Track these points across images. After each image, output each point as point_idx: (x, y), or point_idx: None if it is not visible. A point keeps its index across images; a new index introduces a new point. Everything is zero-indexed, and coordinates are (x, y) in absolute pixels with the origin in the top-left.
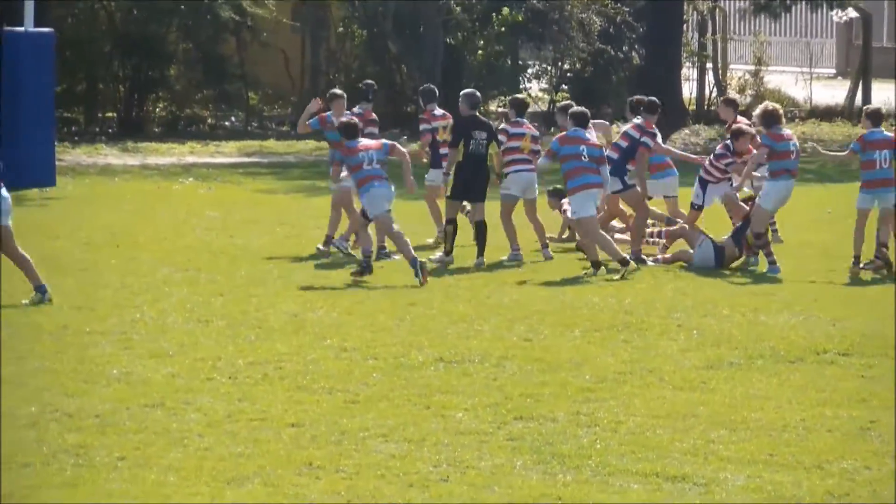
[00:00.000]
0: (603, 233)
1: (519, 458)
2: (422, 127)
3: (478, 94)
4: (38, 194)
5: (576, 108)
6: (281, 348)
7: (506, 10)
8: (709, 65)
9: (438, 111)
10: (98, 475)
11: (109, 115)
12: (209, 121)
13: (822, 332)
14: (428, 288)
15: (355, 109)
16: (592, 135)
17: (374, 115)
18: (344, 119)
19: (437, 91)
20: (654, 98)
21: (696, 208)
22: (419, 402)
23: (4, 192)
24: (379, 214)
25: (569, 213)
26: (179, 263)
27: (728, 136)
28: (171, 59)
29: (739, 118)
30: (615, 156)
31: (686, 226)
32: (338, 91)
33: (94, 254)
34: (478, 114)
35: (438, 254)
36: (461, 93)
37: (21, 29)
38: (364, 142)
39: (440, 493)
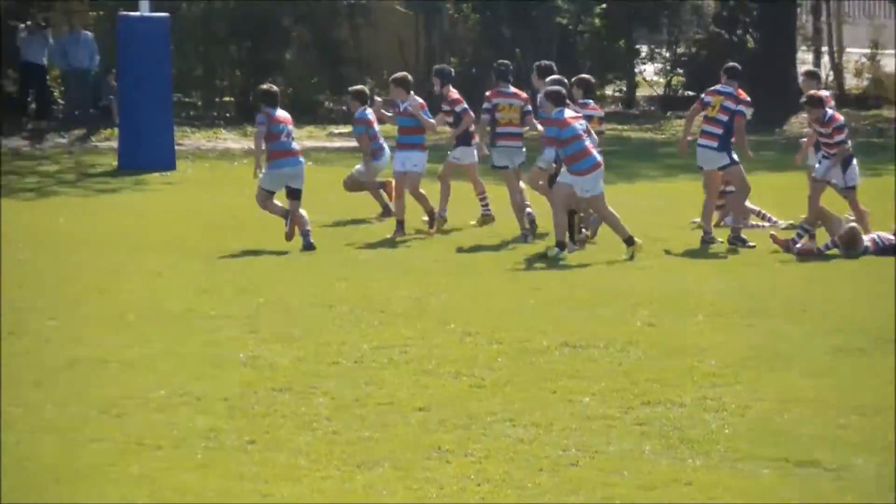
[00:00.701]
0: (611, 209)
1: (647, 442)
2: (484, 105)
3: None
4: (159, 178)
5: (551, 88)
6: (405, 332)
7: None
8: (824, 48)
9: (510, 89)
10: (229, 458)
11: (227, 99)
12: (325, 105)
13: None
14: (549, 273)
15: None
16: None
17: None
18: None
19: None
20: (733, 63)
21: (852, 188)
22: (545, 387)
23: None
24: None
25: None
26: (301, 245)
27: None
28: (287, 44)
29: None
30: (719, 131)
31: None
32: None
33: (215, 237)
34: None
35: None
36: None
37: (137, 14)
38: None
39: (570, 478)
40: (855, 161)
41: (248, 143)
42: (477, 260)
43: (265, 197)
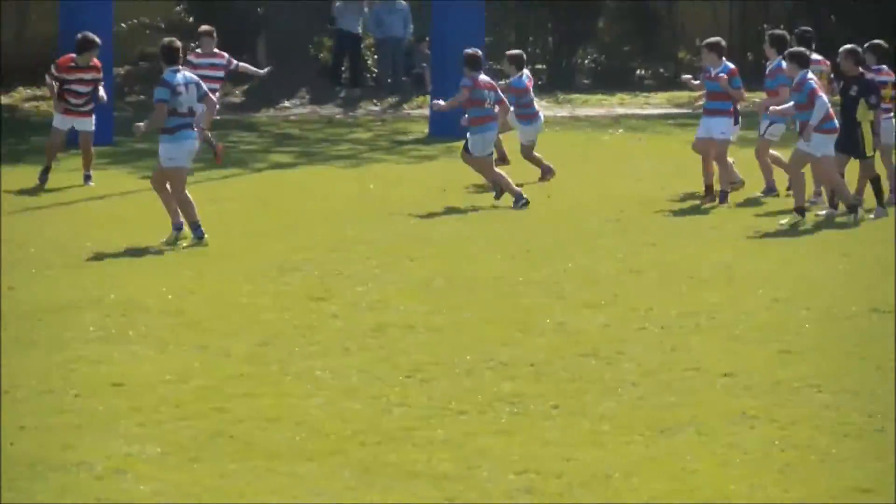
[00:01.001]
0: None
1: None
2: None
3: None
4: None
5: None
6: (712, 298)
7: None
8: None
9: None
10: (533, 423)
11: (539, 67)
12: (638, 72)
13: None
14: (857, 238)
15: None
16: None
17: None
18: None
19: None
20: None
21: None
22: (854, 353)
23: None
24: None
25: None
26: (610, 214)
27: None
28: (600, 12)
29: None
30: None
31: None
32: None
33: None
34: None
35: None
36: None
37: None
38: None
39: (875, 444)
40: None
41: (560, 111)
42: (781, 227)
43: (487, 163)
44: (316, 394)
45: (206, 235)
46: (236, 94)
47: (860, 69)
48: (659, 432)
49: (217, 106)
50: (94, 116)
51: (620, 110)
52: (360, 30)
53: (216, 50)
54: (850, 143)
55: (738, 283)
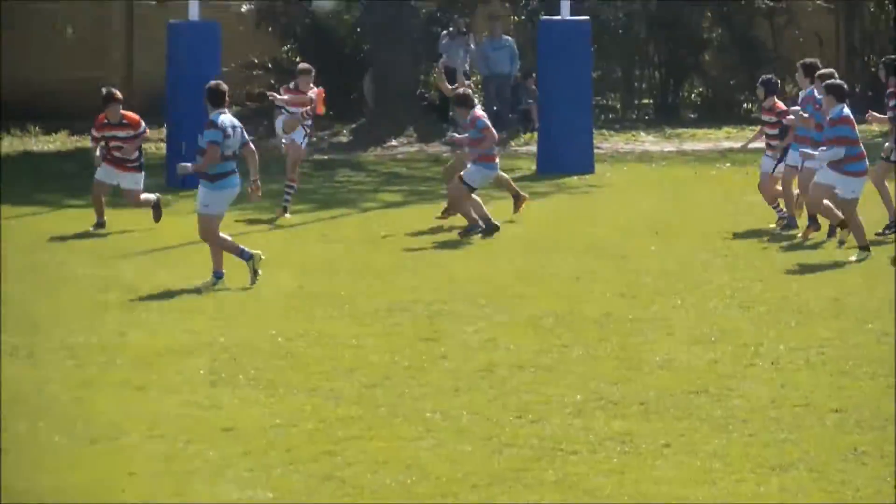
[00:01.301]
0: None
1: None
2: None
3: None
4: (579, 182)
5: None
6: (822, 333)
7: None
8: None
9: None
10: (644, 462)
11: (646, 101)
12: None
13: None
14: None
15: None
16: None
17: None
18: None
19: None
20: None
21: None
22: None
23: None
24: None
25: None
26: (718, 249)
27: None
28: (705, 45)
29: None
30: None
31: None
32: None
33: (633, 240)
34: None
35: None
36: None
37: (557, 18)
38: None
39: None
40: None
41: (666, 145)
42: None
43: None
44: (426, 436)
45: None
46: (344, 133)
47: None
48: (770, 470)
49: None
50: (139, 173)
51: (727, 144)
52: (467, 66)
53: (313, 87)
54: None
55: (847, 317)
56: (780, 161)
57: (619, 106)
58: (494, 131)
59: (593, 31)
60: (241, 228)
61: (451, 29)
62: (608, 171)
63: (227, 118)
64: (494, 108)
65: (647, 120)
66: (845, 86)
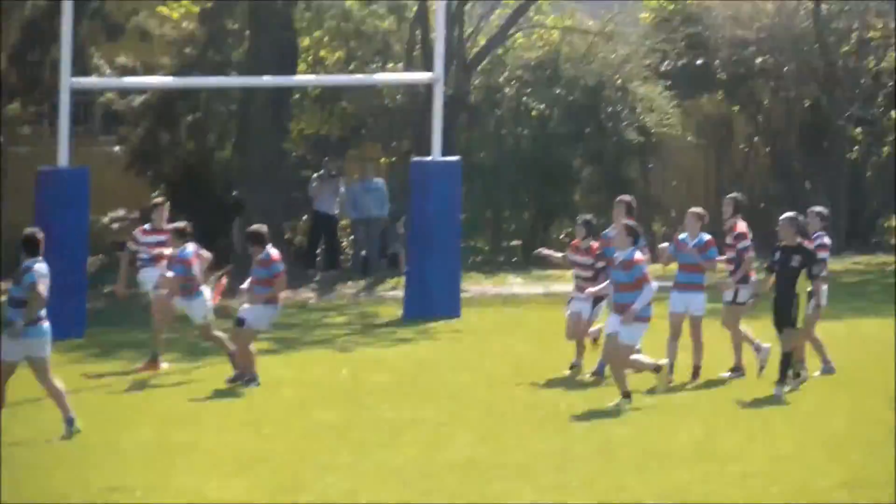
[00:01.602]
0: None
1: None
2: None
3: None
4: (445, 326)
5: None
6: (684, 476)
7: None
8: None
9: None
10: None
11: (515, 243)
12: None
13: None
14: (826, 408)
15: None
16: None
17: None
18: None
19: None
20: None
21: None
22: None
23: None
24: None
25: None
26: (582, 390)
27: None
28: (576, 184)
29: None
30: None
31: None
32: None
33: (497, 386)
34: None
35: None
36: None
37: (429, 158)
38: None
39: None
40: None
41: (534, 288)
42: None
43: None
44: None
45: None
46: (210, 280)
47: (800, 238)
48: None
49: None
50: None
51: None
52: (336, 210)
53: (166, 226)
54: (784, 317)
55: (709, 461)
56: (595, 306)
57: (487, 248)
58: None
59: (464, 172)
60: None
61: (321, 172)
62: (475, 315)
63: (42, 266)
64: (363, 252)
65: (515, 262)
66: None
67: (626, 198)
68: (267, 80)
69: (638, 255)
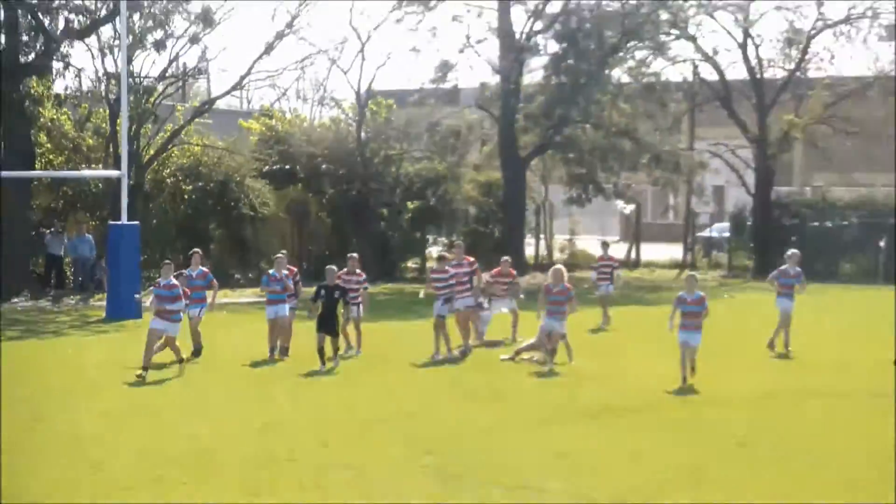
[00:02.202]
0: None
1: None
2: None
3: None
4: (131, 323)
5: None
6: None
7: None
8: (542, 235)
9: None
10: None
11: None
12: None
13: None
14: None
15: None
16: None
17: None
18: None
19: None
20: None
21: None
22: None
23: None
24: None
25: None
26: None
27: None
28: (210, 240)
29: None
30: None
31: None
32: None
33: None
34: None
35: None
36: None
37: (119, 222)
38: None
39: None
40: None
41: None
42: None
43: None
44: None
45: None
46: None
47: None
48: None
49: None
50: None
51: None
52: (62, 253)
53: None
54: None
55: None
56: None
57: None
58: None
59: (142, 230)
60: None
61: (52, 230)
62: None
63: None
64: (80, 278)
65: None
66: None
67: (198, 250)
68: (12, 174)
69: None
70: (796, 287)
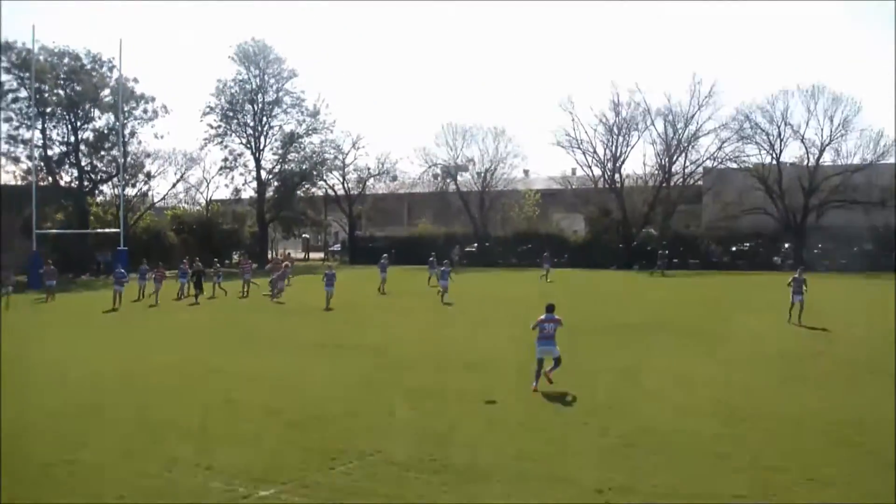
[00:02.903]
0: None
1: None
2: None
3: None
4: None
5: None
6: None
7: None
8: None
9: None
10: None
11: None
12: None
13: None
14: None
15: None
16: None
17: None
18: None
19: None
20: None
21: None
22: None
23: None
24: None
25: None
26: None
27: None
28: None
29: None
30: None
31: None
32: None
33: None
34: None
35: None
36: None
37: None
38: None
39: None
40: None
41: None
42: None
43: None
44: None
45: None
46: None
47: None
48: None
49: None
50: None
51: None
52: (108, 259)
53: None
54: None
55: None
56: None
57: None
58: None
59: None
60: None
61: (99, 253)
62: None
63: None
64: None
65: None
66: None
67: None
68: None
69: None
70: None
